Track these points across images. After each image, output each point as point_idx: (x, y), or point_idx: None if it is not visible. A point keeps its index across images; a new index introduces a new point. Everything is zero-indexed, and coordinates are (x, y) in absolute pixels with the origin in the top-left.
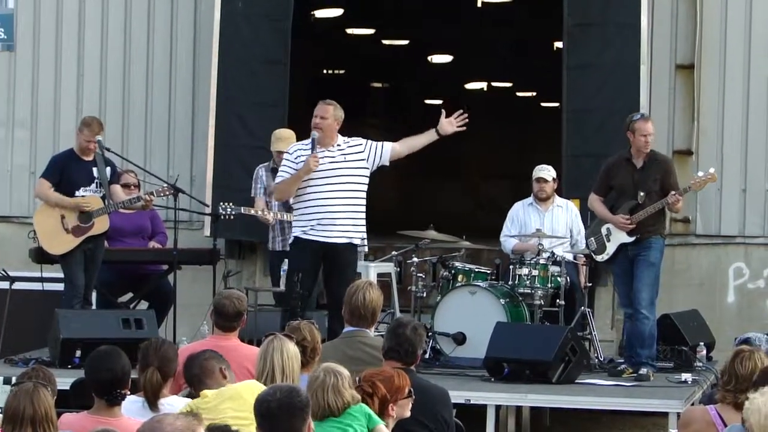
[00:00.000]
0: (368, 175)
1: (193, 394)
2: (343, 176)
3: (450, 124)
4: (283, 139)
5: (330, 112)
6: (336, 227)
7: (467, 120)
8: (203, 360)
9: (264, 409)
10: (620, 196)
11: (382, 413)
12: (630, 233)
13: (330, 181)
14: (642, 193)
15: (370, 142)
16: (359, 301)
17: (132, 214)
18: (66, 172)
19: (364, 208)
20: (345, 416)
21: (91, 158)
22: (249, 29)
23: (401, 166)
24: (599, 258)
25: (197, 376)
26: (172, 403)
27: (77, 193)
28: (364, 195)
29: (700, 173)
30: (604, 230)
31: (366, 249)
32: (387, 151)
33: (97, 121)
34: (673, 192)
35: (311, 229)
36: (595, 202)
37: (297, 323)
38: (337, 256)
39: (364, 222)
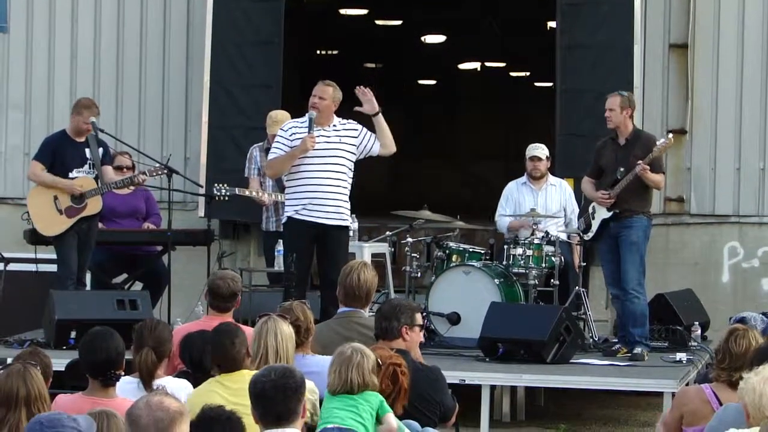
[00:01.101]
0: (354, 161)
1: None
2: (336, 157)
3: (367, 103)
4: (279, 121)
5: (329, 93)
6: (327, 207)
7: (367, 91)
8: (235, 353)
9: (258, 390)
10: (606, 174)
11: (395, 401)
12: (609, 208)
13: (323, 161)
14: (621, 169)
15: (365, 130)
16: (354, 281)
17: (126, 195)
18: (59, 154)
19: (349, 191)
20: (360, 396)
21: (83, 140)
22: (242, 10)
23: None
24: (586, 236)
25: (226, 367)
26: (167, 384)
27: (70, 175)
28: (351, 177)
29: (660, 141)
30: (590, 209)
31: (356, 225)
32: (377, 146)
33: (95, 104)
34: (639, 162)
35: (303, 208)
36: (585, 183)
37: (289, 304)
38: (330, 236)
39: (349, 203)
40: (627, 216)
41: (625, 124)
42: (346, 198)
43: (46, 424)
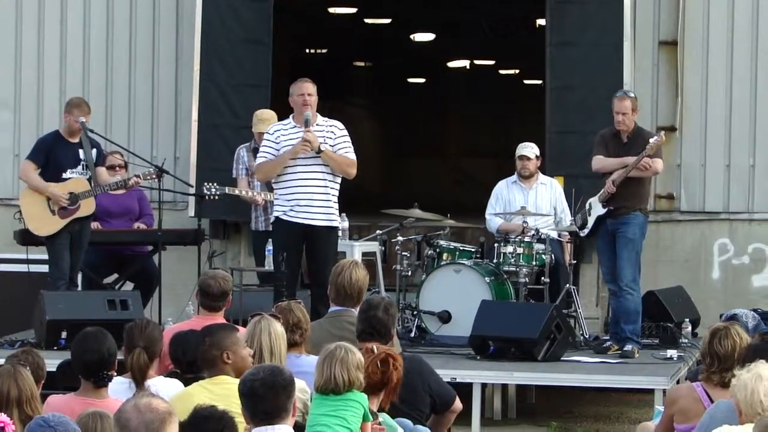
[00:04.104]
0: None
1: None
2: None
3: (310, 139)
4: (265, 120)
5: (313, 89)
6: (315, 208)
7: (310, 135)
8: (203, 351)
9: (247, 388)
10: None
11: (386, 394)
12: (604, 205)
13: (309, 161)
14: None
15: (343, 137)
16: (345, 281)
17: (120, 196)
18: (53, 154)
19: (337, 189)
20: (345, 398)
21: (77, 140)
22: (231, 10)
23: (385, 144)
24: (582, 233)
25: (203, 367)
26: (159, 384)
27: (64, 175)
28: (339, 176)
29: (652, 139)
30: (587, 205)
31: (346, 224)
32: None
33: (86, 103)
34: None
35: (291, 210)
36: (600, 159)
37: (287, 304)
38: (318, 236)
39: (337, 203)
40: (623, 213)
41: (629, 126)
42: (335, 197)
43: (52, 423)
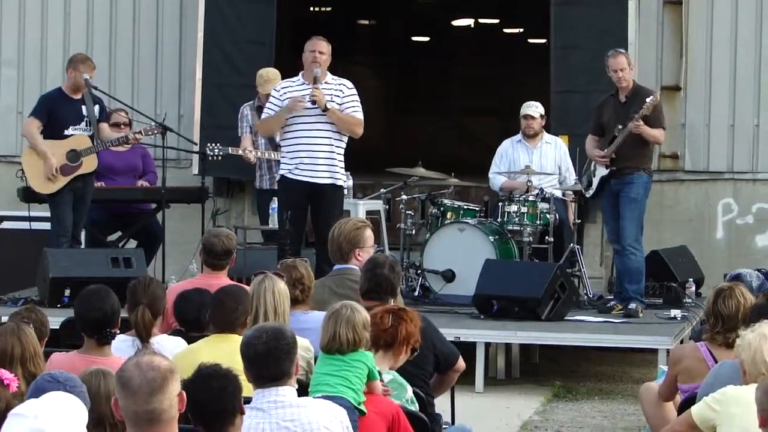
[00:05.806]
0: None
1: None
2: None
3: (317, 97)
4: (270, 80)
5: (326, 48)
6: (320, 167)
7: (318, 93)
8: (233, 318)
9: (251, 352)
10: (606, 132)
11: (396, 350)
12: (607, 166)
13: (316, 119)
14: (619, 126)
15: (352, 96)
16: (331, 237)
17: (124, 153)
18: (55, 111)
19: (343, 148)
20: (349, 358)
21: (80, 97)
22: None
23: (389, 103)
24: (588, 193)
25: (221, 329)
26: (162, 342)
27: (66, 132)
28: (345, 134)
29: (648, 99)
30: (592, 165)
31: (351, 183)
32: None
33: (90, 59)
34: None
35: (296, 168)
36: (588, 141)
37: (292, 261)
38: (323, 195)
39: (343, 161)
40: (627, 173)
41: (629, 81)
42: (340, 156)
43: (62, 381)
